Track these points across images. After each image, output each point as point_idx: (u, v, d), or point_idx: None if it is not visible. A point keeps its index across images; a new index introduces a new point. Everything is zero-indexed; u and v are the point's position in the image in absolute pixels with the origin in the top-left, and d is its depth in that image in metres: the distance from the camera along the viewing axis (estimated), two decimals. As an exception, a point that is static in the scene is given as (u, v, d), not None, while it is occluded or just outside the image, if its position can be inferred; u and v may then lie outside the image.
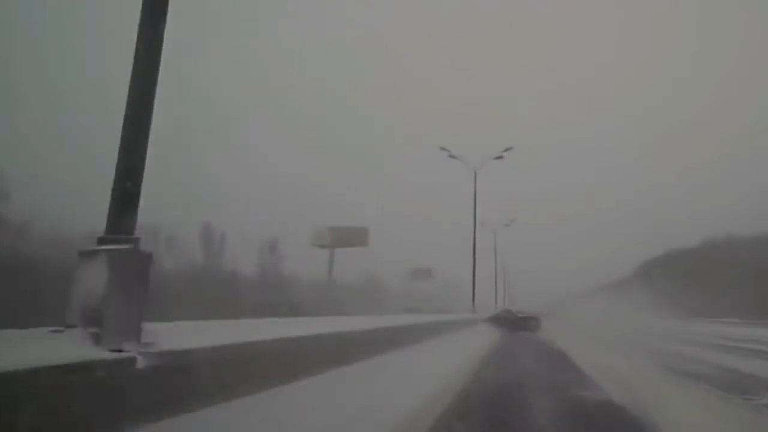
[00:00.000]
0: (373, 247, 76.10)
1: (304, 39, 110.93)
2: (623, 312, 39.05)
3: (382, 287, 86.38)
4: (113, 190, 4.61)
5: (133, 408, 3.90)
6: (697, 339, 21.87)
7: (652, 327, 28.40)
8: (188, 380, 4.50)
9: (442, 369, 9.89)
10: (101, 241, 4.48)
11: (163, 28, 5.32)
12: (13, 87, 55.83)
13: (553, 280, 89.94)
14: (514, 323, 26.99)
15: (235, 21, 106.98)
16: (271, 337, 6.29)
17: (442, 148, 26.58)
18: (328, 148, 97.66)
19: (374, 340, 9.98)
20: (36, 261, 23.81)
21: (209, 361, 4.81)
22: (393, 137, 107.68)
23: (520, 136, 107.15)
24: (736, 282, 64.23)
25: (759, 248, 66.82)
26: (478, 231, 52.29)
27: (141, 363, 4.01)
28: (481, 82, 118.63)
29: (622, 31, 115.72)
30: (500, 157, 26.83)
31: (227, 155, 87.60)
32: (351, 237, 78.91)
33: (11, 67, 56.89)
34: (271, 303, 59.59)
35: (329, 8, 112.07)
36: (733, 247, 76.36)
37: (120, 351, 3.95)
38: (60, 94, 67.39)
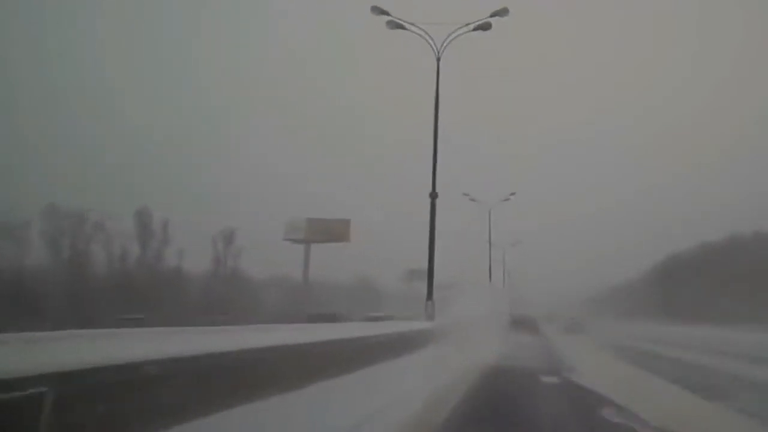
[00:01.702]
0: (369, 246, 66.39)
1: (303, 38, 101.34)
2: None
3: (374, 288, 73.91)
4: None
5: None
6: None
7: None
8: None
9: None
10: None
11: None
12: (13, 87, 52.59)
13: (553, 280, 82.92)
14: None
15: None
16: None
17: (387, 19, 13.11)
18: (326, 147, 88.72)
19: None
20: None
21: None
22: (391, 137, 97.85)
23: (519, 136, 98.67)
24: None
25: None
26: (470, 208, 39.21)
27: None
28: (480, 82, 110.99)
29: (622, 31, 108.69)
30: (487, 24, 13.62)
31: (226, 154, 76.91)
32: (330, 230, 65.30)
33: (11, 67, 53.16)
34: (218, 305, 47.21)
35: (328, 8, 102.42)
36: (762, 243, 65.30)
37: None
38: (60, 94, 61.59)
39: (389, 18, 13.61)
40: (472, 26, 13.79)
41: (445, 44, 13.84)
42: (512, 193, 37.02)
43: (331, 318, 16.54)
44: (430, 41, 13.85)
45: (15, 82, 52.99)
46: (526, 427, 5.53)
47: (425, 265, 14.08)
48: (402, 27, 13.66)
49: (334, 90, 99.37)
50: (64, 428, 2.67)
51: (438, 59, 13.79)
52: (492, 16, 13.77)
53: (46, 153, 58.95)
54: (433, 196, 13.52)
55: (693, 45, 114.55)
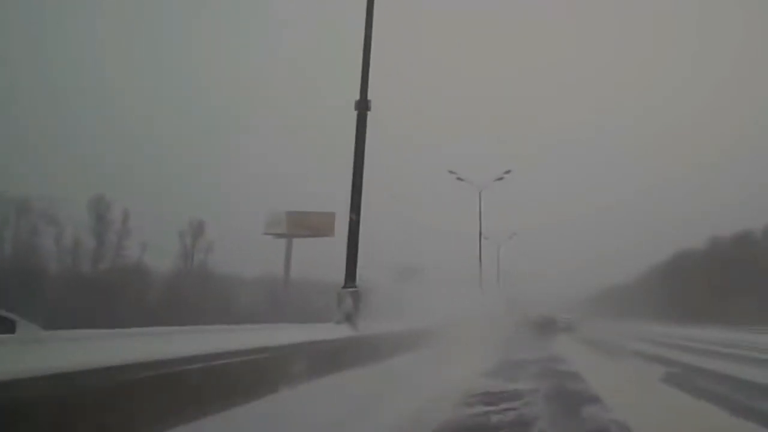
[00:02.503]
0: (363, 245, 60.67)
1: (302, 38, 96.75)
2: None
3: (366, 287, 67.58)
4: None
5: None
6: None
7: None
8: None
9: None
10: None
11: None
12: (13, 87, 48.29)
13: (552, 280, 76.40)
14: None
15: None
16: None
17: None
18: (327, 149, 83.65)
19: None
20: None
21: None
22: (390, 137, 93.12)
23: (518, 137, 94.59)
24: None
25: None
26: (459, 189, 33.13)
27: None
28: (479, 83, 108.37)
29: (622, 31, 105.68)
30: None
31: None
32: (313, 224, 59.44)
33: (11, 67, 49.00)
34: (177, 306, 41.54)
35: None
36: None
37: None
38: (60, 94, 56.31)
39: None
40: None
41: None
42: (507, 171, 30.95)
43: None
44: None
45: (15, 82, 48.54)
46: None
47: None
48: None
49: (331, 85, 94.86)
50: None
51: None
52: None
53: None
54: (362, 106, 7.62)
55: (693, 45, 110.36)
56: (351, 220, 7.67)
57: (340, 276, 8.74)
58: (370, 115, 7.66)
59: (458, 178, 30.42)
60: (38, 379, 2.30)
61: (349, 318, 7.22)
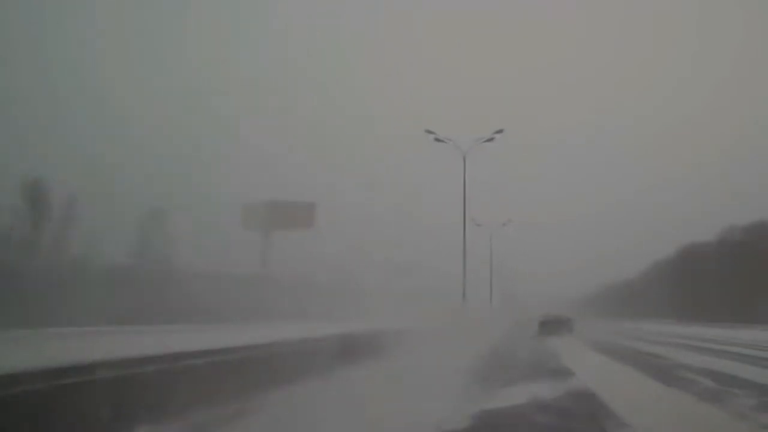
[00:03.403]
0: (356, 242, 57.35)
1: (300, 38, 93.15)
2: None
3: (354, 285, 64.15)
4: None
5: None
6: None
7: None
8: None
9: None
10: None
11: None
12: (13, 87, 45.56)
13: (552, 280, 76.93)
14: None
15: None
16: None
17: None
18: (323, 142, 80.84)
19: None
20: None
21: None
22: (389, 137, 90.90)
23: (518, 137, 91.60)
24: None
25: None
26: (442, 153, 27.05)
27: None
28: (479, 83, 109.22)
29: (622, 31, 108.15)
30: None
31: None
32: (292, 215, 54.27)
33: (11, 67, 46.54)
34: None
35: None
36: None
37: None
38: (60, 93, 54.35)
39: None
40: None
41: None
42: (498, 131, 25.38)
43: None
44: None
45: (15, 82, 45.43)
46: None
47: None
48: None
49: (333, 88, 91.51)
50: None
51: None
52: None
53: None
54: None
55: (693, 45, 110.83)
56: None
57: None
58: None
59: (437, 139, 24.85)
60: None
61: None
